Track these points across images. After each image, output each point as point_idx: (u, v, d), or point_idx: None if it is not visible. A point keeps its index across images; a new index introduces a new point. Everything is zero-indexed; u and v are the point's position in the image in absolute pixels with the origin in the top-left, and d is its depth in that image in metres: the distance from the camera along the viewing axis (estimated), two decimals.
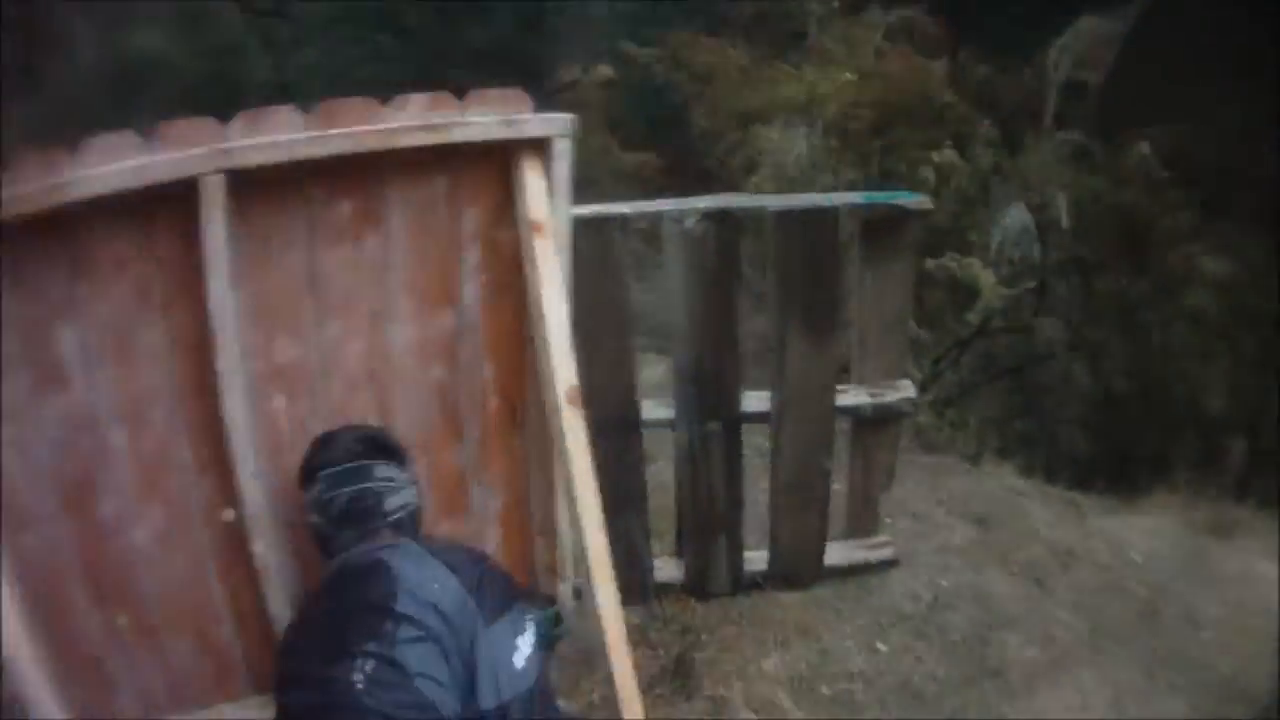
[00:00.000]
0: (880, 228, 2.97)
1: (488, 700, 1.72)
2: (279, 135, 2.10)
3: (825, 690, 2.94)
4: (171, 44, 10.00)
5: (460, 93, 2.23)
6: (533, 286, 2.23)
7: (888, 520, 3.59)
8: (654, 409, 3.03)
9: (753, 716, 2.80)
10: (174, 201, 2.04)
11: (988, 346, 5.45)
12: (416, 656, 1.65)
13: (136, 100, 10.41)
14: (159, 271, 2.11)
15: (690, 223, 2.71)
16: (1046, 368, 5.26)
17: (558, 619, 2.17)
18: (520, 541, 2.55)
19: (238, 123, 2.09)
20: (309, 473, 2.08)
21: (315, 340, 2.25)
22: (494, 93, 2.25)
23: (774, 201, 2.99)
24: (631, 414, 2.98)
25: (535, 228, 2.20)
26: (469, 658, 1.71)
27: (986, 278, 4.69)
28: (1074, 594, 3.47)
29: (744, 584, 3.22)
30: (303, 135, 2.10)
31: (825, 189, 4.89)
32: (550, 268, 2.20)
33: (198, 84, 10.31)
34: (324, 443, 2.09)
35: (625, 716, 2.06)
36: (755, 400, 3.06)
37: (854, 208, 2.96)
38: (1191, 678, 3.12)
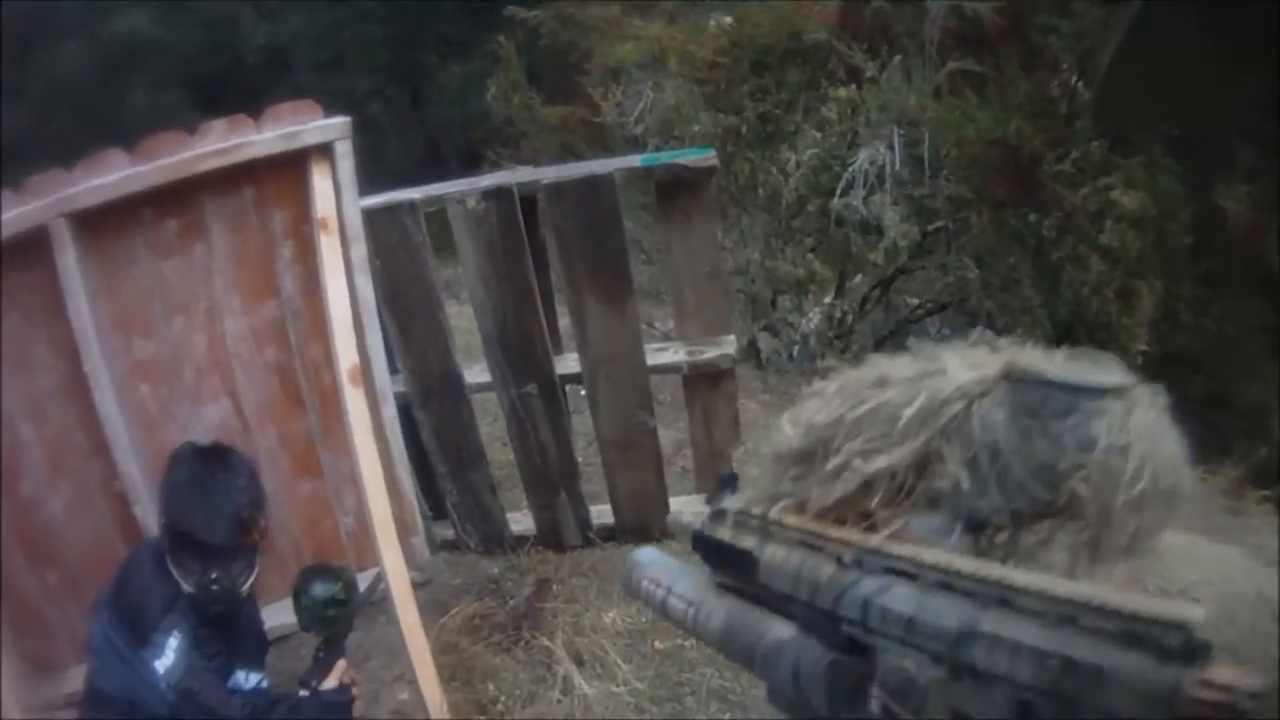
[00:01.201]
0: (674, 189, 3.07)
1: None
2: (111, 175, 2.64)
3: (658, 645, 2.98)
4: (160, 23, 10.69)
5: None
6: (320, 277, 2.71)
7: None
8: (479, 374, 3.29)
9: (573, 668, 2.87)
10: (38, 241, 2.60)
11: (902, 289, 5.55)
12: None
13: (134, 80, 11.21)
14: (36, 296, 2.68)
15: (472, 202, 2.99)
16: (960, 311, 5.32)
17: (335, 601, 2.32)
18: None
19: (78, 170, 2.64)
20: None
21: (166, 337, 2.82)
22: (286, 107, 2.75)
23: (550, 173, 3.13)
24: (455, 380, 3.25)
25: (321, 224, 2.68)
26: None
27: (891, 216, 4.75)
28: None
29: (595, 536, 3.41)
30: (127, 172, 2.63)
31: (693, 137, 5.10)
32: (333, 260, 2.67)
33: (196, 56, 11.05)
34: None
35: (417, 670, 2.42)
36: (573, 362, 3.26)
37: (634, 170, 3.09)
38: None
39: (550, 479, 3.34)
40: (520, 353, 3.17)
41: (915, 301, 5.80)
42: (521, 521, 3.49)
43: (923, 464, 0.71)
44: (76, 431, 2.79)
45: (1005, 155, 4.58)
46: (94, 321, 2.67)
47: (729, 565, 0.87)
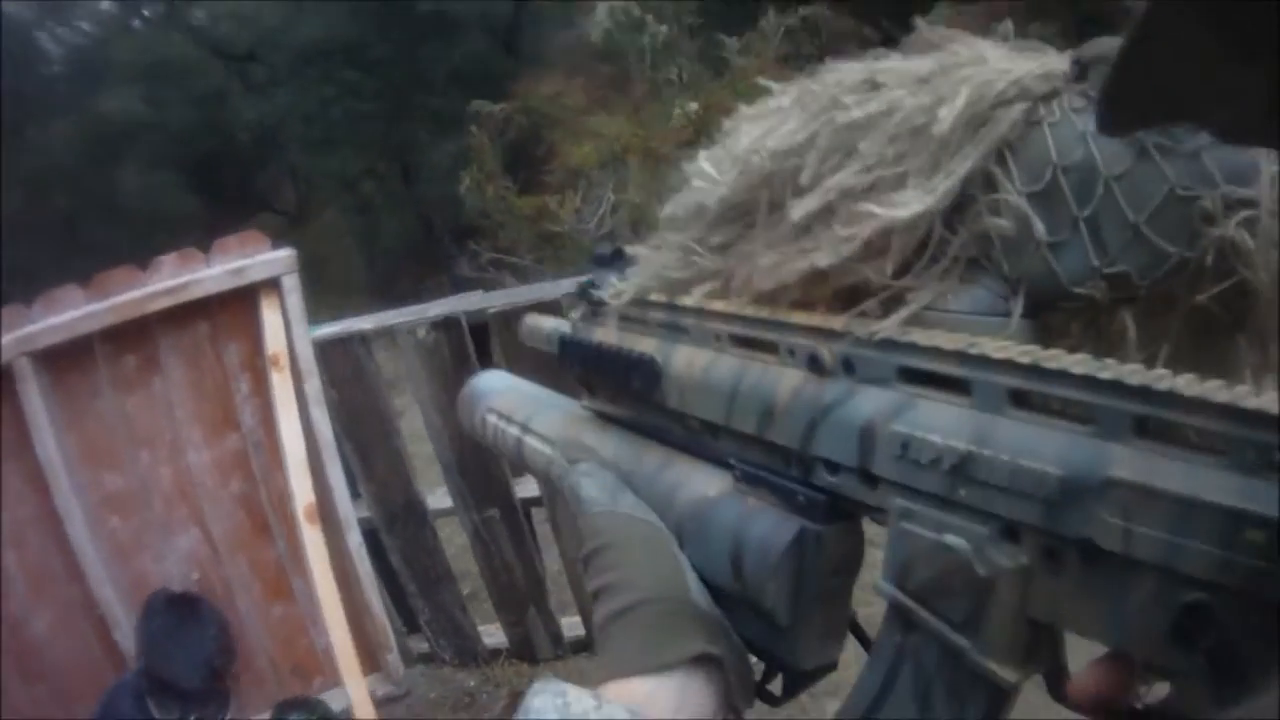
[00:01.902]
0: None
1: None
2: (67, 314, 2.78)
3: None
4: (150, 102, 10.97)
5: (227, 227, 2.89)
6: (274, 415, 2.82)
7: None
8: (442, 498, 3.33)
9: None
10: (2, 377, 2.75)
11: None
12: None
13: (126, 160, 11.50)
14: (6, 430, 2.82)
15: (422, 333, 3.04)
16: None
17: None
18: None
19: (38, 306, 2.79)
20: None
21: (133, 470, 2.94)
22: (234, 239, 2.90)
23: (499, 299, 3.18)
24: (418, 507, 3.31)
25: (272, 361, 2.79)
26: None
27: None
28: None
29: (567, 648, 3.41)
30: (82, 311, 2.78)
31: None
32: (286, 398, 2.78)
33: (186, 136, 11.30)
34: None
35: None
36: (532, 484, 3.23)
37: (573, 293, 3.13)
38: None
39: (518, 596, 3.38)
40: (481, 479, 3.22)
41: None
42: (494, 635, 3.51)
43: (958, 205, 0.43)
44: (55, 559, 2.90)
45: None
46: (61, 456, 2.80)
47: (615, 382, 0.59)
